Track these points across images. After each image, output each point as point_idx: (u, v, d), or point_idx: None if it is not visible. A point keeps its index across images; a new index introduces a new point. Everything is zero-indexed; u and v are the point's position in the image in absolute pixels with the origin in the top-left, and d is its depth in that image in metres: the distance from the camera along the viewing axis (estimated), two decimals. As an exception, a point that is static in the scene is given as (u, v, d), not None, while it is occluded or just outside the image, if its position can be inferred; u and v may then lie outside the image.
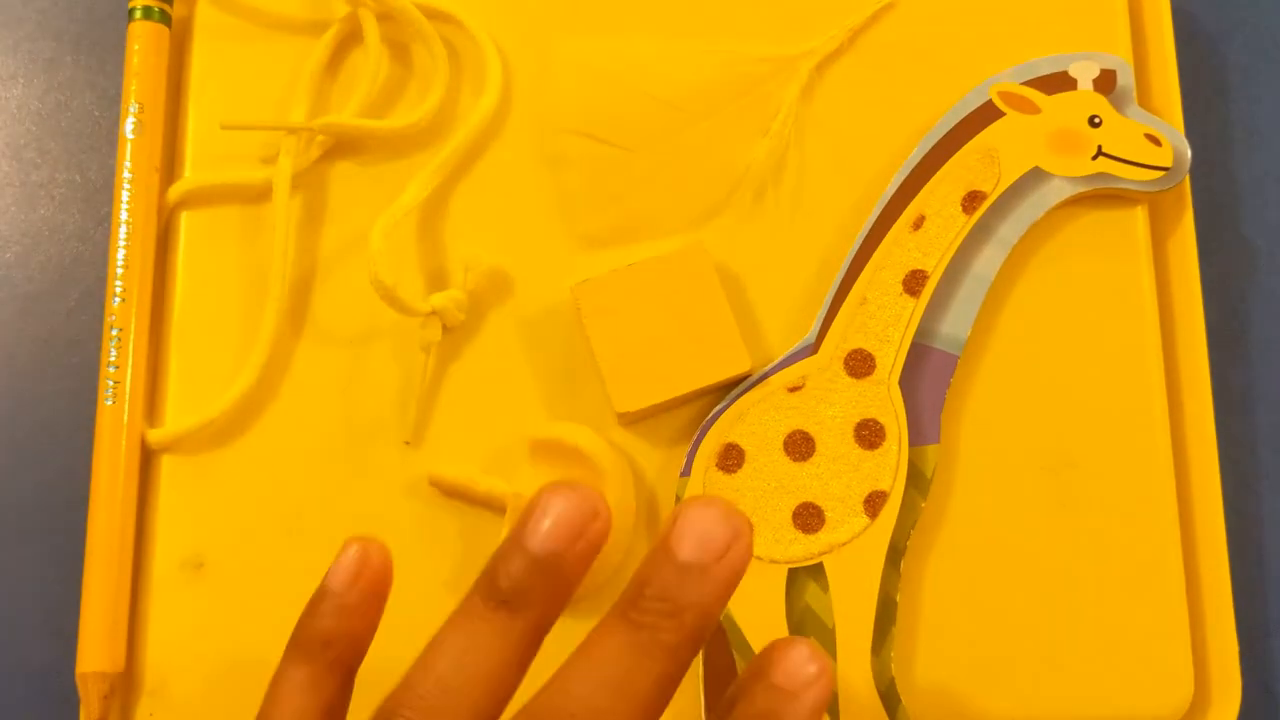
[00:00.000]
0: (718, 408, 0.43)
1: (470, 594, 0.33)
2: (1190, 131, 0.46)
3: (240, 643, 0.42)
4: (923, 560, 0.42)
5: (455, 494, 0.43)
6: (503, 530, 0.42)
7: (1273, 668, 0.45)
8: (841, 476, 0.42)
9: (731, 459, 0.42)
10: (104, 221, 0.49)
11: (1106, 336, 0.44)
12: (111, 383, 0.43)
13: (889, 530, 0.41)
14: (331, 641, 0.35)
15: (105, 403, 0.43)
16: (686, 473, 0.42)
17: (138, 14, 0.46)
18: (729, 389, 0.43)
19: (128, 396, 0.43)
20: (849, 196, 0.45)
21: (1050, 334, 0.44)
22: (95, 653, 0.41)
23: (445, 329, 0.44)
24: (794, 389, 0.43)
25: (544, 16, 0.47)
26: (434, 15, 0.46)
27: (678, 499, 0.42)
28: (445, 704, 0.32)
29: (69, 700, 0.42)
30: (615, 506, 0.41)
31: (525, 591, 0.32)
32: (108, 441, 0.43)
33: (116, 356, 0.43)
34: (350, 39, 0.47)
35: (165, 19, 0.46)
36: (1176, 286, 0.45)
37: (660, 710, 0.32)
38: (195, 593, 0.43)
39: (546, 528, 0.32)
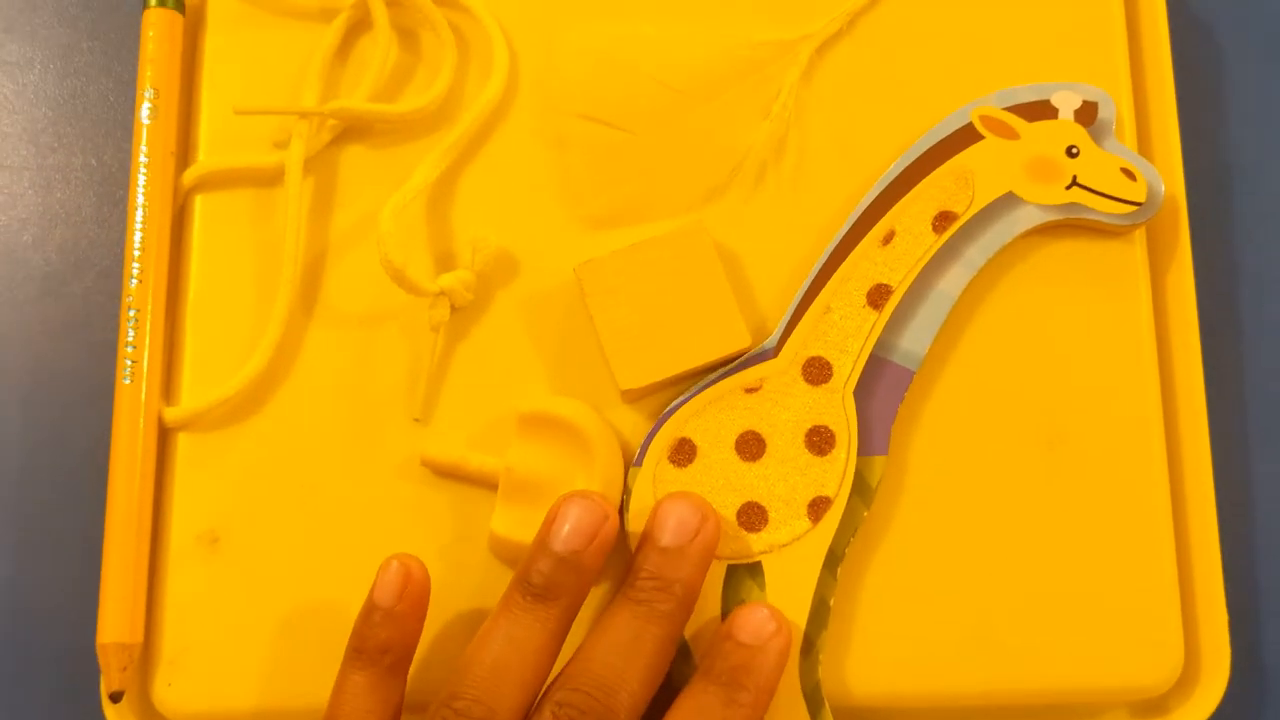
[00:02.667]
0: (675, 402, 0.43)
1: (509, 590, 0.40)
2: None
3: (255, 614, 0.43)
4: (893, 558, 0.43)
5: (447, 474, 0.44)
6: (496, 503, 0.43)
7: (1261, 640, 0.45)
8: (788, 479, 0.43)
9: (683, 453, 0.43)
10: (119, 205, 0.50)
11: (1075, 361, 0.44)
12: (129, 362, 0.44)
13: (829, 536, 0.42)
14: (388, 648, 0.40)
15: (124, 382, 0.44)
16: (639, 463, 0.43)
17: (152, 1, 0.47)
18: (728, 364, 0.44)
19: (145, 376, 0.44)
20: (848, 178, 0.46)
21: (1014, 356, 0.44)
22: (115, 624, 0.42)
23: (453, 309, 0.45)
24: (751, 390, 0.43)
25: (549, 2, 0.48)
26: (441, 2, 0.47)
27: (627, 488, 0.43)
28: (499, 680, 0.38)
29: (90, 671, 0.43)
30: (603, 477, 0.42)
31: (554, 585, 0.39)
32: (126, 419, 0.44)
33: (134, 337, 0.44)
34: (360, 25, 0.48)
35: (179, 5, 0.47)
36: (1172, 317, 0.45)
37: (664, 665, 0.40)
38: (211, 566, 0.44)
39: (566, 532, 0.40)
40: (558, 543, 0.40)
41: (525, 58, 0.47)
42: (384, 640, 0.40)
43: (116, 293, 0.46)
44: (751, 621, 0.40)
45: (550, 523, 0.40)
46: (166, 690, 0.43)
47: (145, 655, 0.43)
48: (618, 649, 0.39)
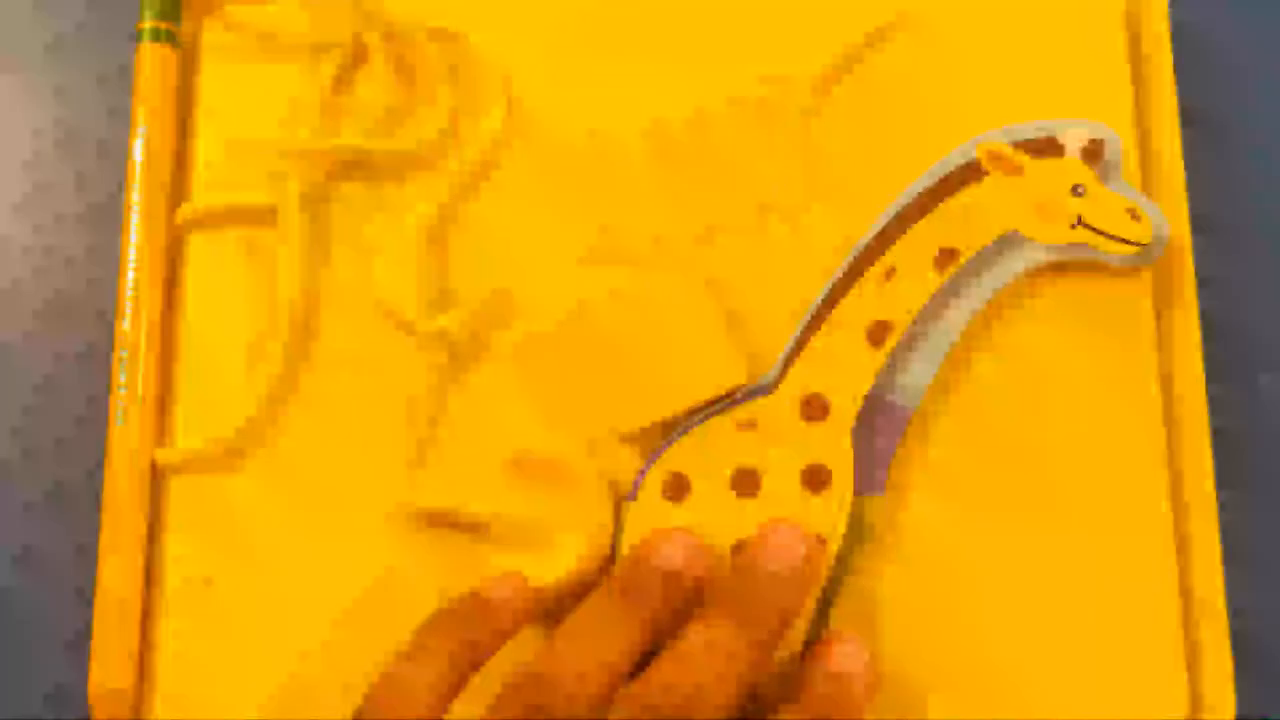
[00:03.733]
0: (670, 437, 0.43)
1: (598, 591, 0.40)
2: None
3: (249, 659, 0.43)
4: (877, 606, 0.43)
5: (439, 522, 0.43)
6: (490, 549, 0.42)
7: (1267, 688, 0.45)
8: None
9: (678, 488, 0.42)
10: (113, 242, 0.49)
11: (1079, 401, 0.44)
12: (122, 404, 0.44)
13: (823, 575, 0.42)
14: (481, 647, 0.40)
15: (116, 424, 0.44)
16: (633, 497, 0.42)
17: (145, 36, 0.47)
18: (725, 400, 0.43)
19: (138, 417, 0.44)
20: (850, 214, 0.45)
21: (1016, 395, 0.44)
22: (107, 669, 0.42)
23: (450, 349, 0.44)
24: (747, 426, 0.43)
25: (551, 39, 0.47)
26: (440, 36, 0.47)
27: (620, 523, 0.42)
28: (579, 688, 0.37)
29: (82, 716, 0.42)
30: (591, 514, 0.42)
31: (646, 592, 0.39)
32: (118, 461, 0.43)
33: (126, 378, 0.44)
34: (357, 60, 0.47)
35: (173, 40, 0.47)
36: (1177, 357, 0.44)
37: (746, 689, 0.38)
38: (205, 610, 0.43)
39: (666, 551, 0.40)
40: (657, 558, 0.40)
41: (525, 94, 0.47)
42: (481, 643, 0.40)
43: (109, 332, 0.45)
44: (774, 541, 0.40)
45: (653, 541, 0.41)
46: (159, 737, 0.42)
47: (138, 700, 0.43)
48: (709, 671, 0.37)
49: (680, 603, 0.40)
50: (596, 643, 0.38)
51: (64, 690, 0.45)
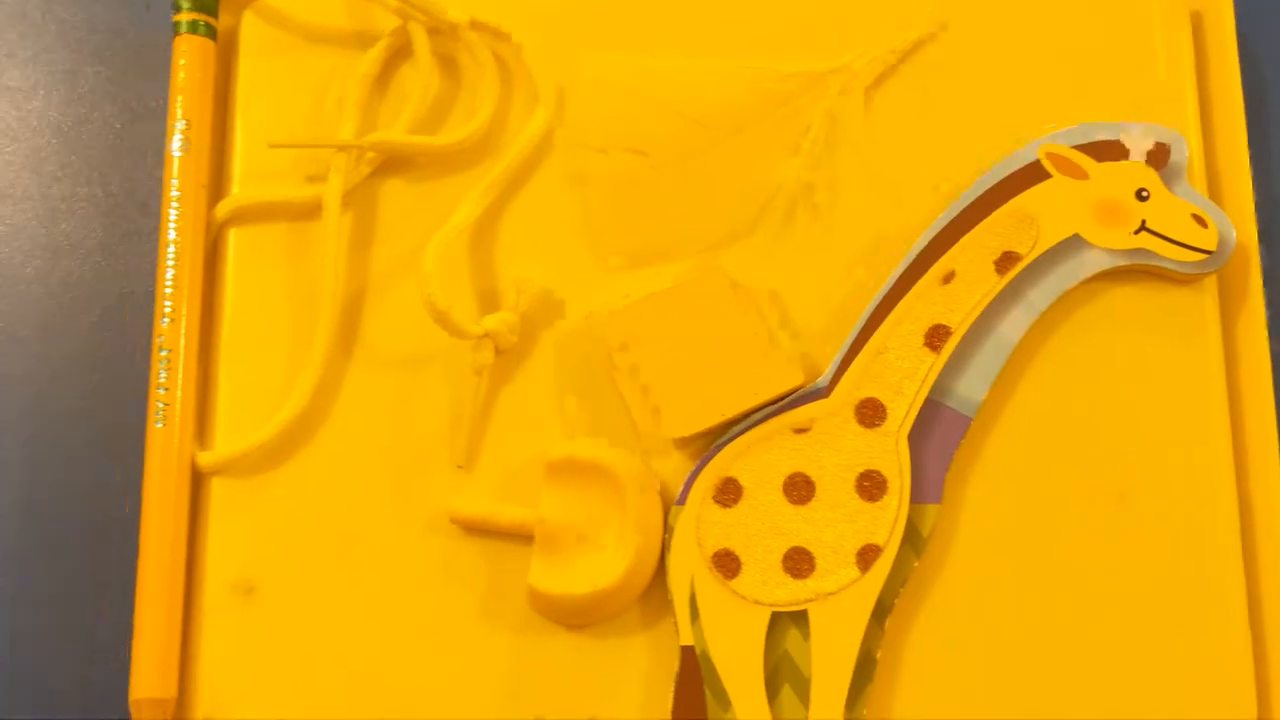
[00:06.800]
0: (720, 440, 0.42)
1: None
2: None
3: (292, 666, 0.42)
4: (943, 611, 0.42)
5: (478, 529, 0.42)
6: (532, 557, 0.41)
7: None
8: (837, 525, 0.41)
9: (729, 493, 0.42)
10: (126, 236, 0.48)
11: (1142, 412, 0.43)
12: (161, 405, 0.42)
13: (879, 586, 0.41)
14: None
15: (155, 425, 0.42)
16: (682, 502, 0.42)
17: (183, 28, 0.45)
18: (777, 403, 0.42)
19: (178, 419, 0.42)
20: (881, 218, 0.45)
21: (1077, 404, 0.43)
22: (148, 679, 0.41)
23: (497, 351, 0.43)
24: (800, 430, 0.42)
25: (589, 32, 0.47)
26: (487, 32, 0.46)
27: (669, 527, 0.42)
28: None
29: (121, 725, 0.41)
30: (638, 518, 0.41)
31: None
32: (158, 464, 0.42)
33: (166, 378, 0.42)
34: (399, 53, 0.46)
35: (211, 33, 0.46)
36: (1244, 367, 0.44)
37: None
38: (247, 617, 0.42)
39: None
40: None
41: (571, 90, 0.46)
42: None
43: (123, 328, 0.45)
44: None
45: None
46: (202, 747, 0.41)
47: (180, 710, 0.41)
48: None
49: None
50: None
51: (105, 701, 0.43)
